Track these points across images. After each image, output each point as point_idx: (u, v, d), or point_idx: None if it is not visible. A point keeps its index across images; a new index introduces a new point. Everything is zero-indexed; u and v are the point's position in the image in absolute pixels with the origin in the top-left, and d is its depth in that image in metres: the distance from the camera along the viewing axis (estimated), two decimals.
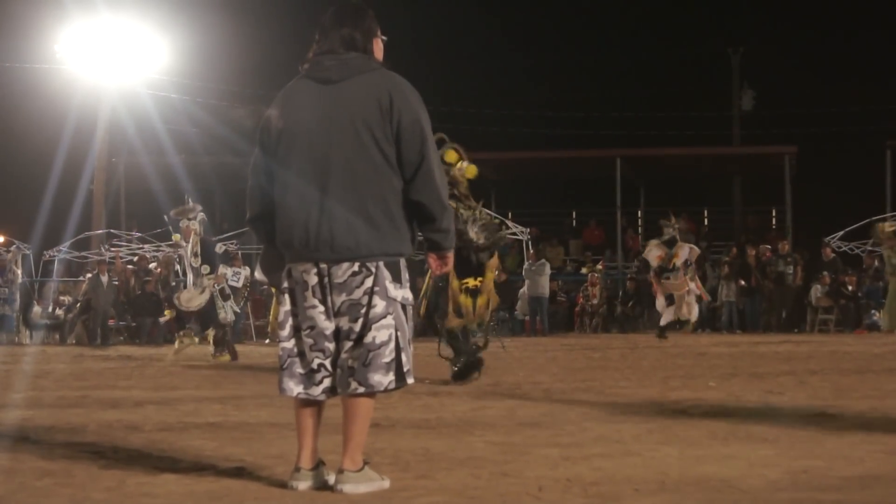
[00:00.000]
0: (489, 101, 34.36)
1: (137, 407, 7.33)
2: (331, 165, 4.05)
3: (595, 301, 23.08)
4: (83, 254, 25.68)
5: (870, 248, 22.46)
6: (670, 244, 16.91)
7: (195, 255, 13.34)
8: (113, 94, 26.72)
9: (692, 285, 17.00)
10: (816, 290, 21.84)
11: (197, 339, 13.29)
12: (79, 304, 21.18)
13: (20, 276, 21.91)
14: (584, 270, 24.36)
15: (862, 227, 23.08)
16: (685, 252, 16.89)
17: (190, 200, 13.68)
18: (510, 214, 26.63)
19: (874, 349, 13.74)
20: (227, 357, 13.13)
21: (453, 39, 38.22)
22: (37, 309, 22.42)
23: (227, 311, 13.43)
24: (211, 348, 13.34)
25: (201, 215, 13.50)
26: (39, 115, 27.38)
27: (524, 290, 22.53)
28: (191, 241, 13.37)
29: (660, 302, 17.15)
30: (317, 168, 4.06)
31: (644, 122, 34.29)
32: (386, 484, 4.09)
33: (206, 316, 13.43)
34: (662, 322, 17.19)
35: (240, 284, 13.53)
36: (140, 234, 25.30)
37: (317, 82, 4.15)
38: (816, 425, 5.85)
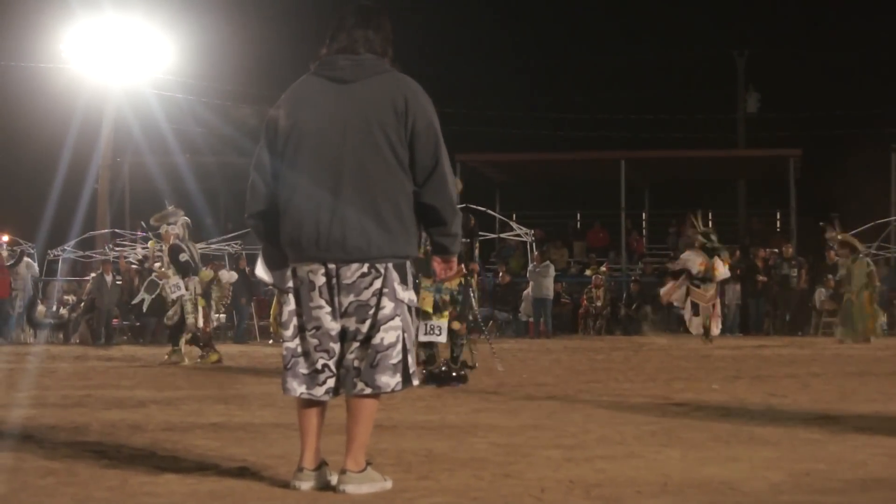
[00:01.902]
0: (494, 103, 34.40)
1: (140, 406, 7.34)
2: (343, 166, 4.02)
3: (599, 303, 23.04)
4: (88, 253, 25.71)
5: (874, 252, 22.44)
6: (710, 252, 16.57)
7: (168, 262, 13.00)
8: (118, 94, 26.74)
9: (717, 299, 16.84)
10: (820, 294, 21.80)
11: (186, 360, 12.86)
12: (83, 304, 21.20)
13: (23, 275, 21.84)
14: (588, 272, 24.35)
15: (867, 230, 23.05)
16: (724, 270, 16.60)
17: (171, 206, 13.17)
18: (515, 216, 26.62)
19: (877, 353, 13.73)
20: (214, 357, 12.74)
21: (457, 40, 38.25)
22: (41, 308, 22.42)
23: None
24: (186, 356, 12.92)
25: (184, 219, 13.04)
26: (45, 115, 27.41)
27: (528, 291, 22.52)
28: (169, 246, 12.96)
29: (687, 312, 16.76)
30: (329, 168, 4.03)
31: (649, 124, 34.28)
32: (388, 485, 4.09)
33: (175, 327, 13.12)
34: (694, 332, 16.69)
35: (174, 296, 13.09)
36: (144, 234, 25.30)
37: (330, 81, 4.11)
38: (819, 428, 5.85)
